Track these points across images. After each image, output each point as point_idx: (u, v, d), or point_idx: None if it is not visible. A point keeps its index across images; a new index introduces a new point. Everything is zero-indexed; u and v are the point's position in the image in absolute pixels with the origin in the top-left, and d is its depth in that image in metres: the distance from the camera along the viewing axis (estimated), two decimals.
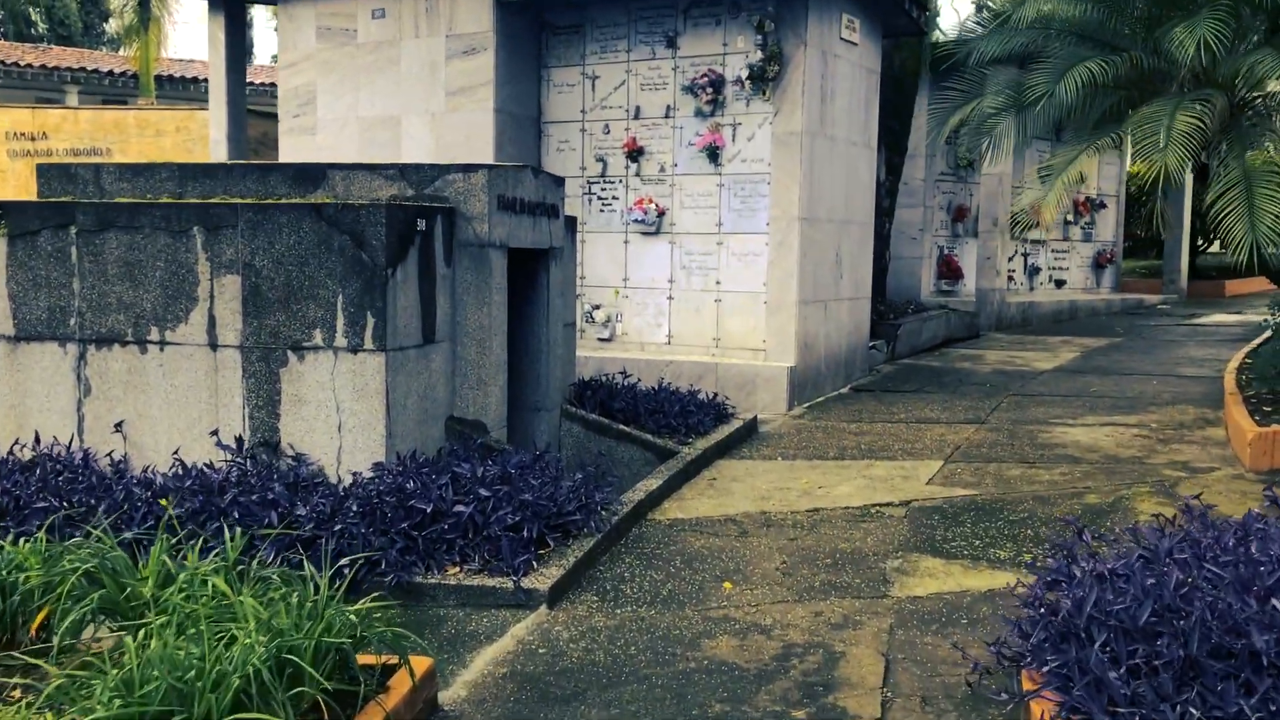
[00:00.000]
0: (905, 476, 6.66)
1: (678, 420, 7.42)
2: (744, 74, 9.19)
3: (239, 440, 5.49)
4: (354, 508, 4.83)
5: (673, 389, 8.04)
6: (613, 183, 9.96)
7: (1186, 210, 17.78)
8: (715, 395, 8.17)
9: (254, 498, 4.96)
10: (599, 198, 10.04)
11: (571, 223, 7.51)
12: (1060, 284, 17.26)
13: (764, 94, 9.18)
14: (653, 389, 7.95)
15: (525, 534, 4.86)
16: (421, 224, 5.64)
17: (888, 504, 6.08)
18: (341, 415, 5.41)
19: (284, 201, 5.60)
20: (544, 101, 10.27)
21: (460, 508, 4.84)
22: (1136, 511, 5.69)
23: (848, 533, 5.55)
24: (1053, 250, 17.18)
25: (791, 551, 5.26)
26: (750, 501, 6.20)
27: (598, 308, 10.03)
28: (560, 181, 7.10)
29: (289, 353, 5.47)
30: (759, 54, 9.12)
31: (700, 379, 9.21)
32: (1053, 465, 6.79)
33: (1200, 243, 20.36)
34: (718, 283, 9.49)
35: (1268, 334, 10.62)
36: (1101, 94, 8.55)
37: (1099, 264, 17.99)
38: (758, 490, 6.44)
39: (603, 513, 5.43)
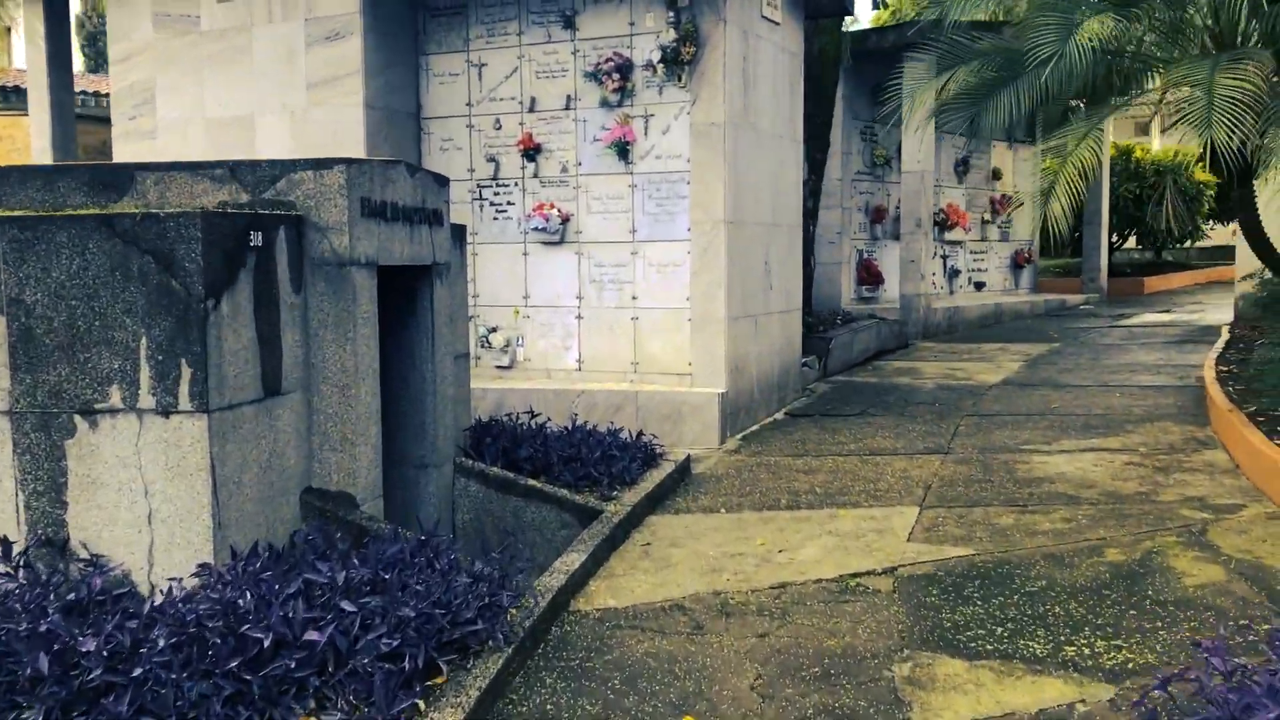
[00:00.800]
0: (879, 530, 5.48)
1: (599, 468, 6.12)
2: (655, 57, 7.96)
3: (4, 542, 4.00)
4: (161, 641, 3.41)
5: (590, 429, 6.74)
6: (507, 186, 8.62)
7: (1104, 205, 17.19)
8: (640, 434, 6.89)
9: (21, 629, 3.50)
10: (492, 203, 8.69)
11: (460, 232, 6.16)
12: (980, 286, 16.49)
13: (679, 80, 7.96)
14: (566, 429, 6.64)
15: (407, 664, 3.50)
16: (257, 238, 4.23)
17: (868, 572, 4.87)
18: (151, 501, 3.98)
19: (63, 214, 4.13)
20: (424, 94, 8.88)
21: (314, 634, 3.46)
22: (1177, 571, 4.60)
23: (830, 621, 4.32)
24: (971, 251, 16.40)
25: (765, 657, 4.01)
26: (698, 576, 4.93)
27: (495, 331, 8.67)
28: (444, 181, 5.75)
29: (77, 419, 4.01)
30: (672, 33, 7.90)
31: (618, 410, 7.92)
32: (1049, 508, 5.69)
33: (1115, 239, 19.90)
34: (634, 298, 8.23)
35: (1226, 337, 9.81)
36: (1106, 62, 7.35)
37: (1017, 264, 17.29)
38: (705, 558, 5.18)
39: (513, 612, 4.10)
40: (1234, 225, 22.92)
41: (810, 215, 10.84)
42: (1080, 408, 8.26)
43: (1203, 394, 8.45)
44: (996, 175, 16.76)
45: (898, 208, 14.77)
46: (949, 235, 15.27)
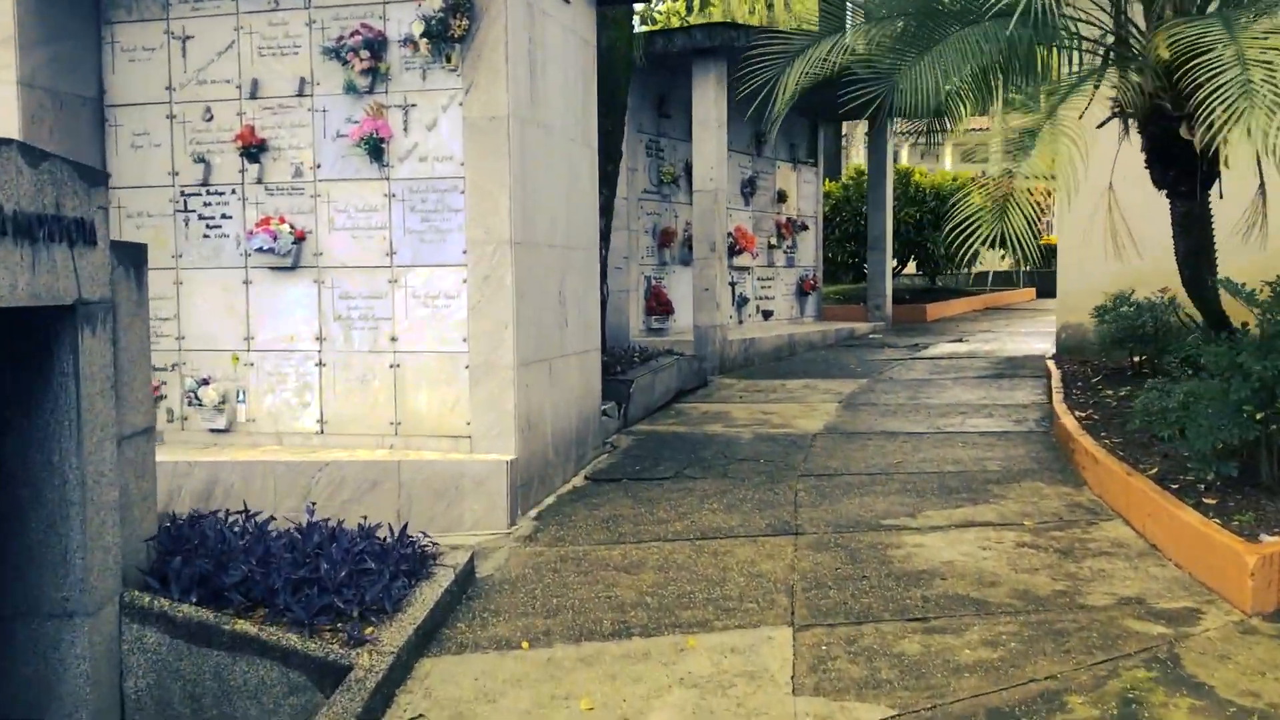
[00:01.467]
0: (749, 673, 3.93)
1: (346, 592, 4.28)
2: (416, 30, 6.19)
3: None
4: None
5: (335, 528, 4.87)
6: (222, 194, 6.61)
7: (889, 230, 16.63)
8: (405, 531, 5.05)
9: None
10: (202, 217, 6.65)
11: (135, 255, 4.19)
12: (768, 314, 15.51)
13: (448, 60, 6.24)
14: (299, 531, 4.74)
15: None
16: None
17: None
18: None
19: None
20: (109, 74, 6.74)
21: None
22: None
23: None
24: (758, 277, 15.40)
25: None
26: None
27: (206, 383, 6.62)
28: (97, 178, 3.78)
29: None
30: (438, 0, 6.16)
31: (374, 488, 6.07)
32: (958, 620, 4.31)
33: (895, 264, 19.51)
34: (394, 339, 6.41)
35: (1057, 373, 8.99)
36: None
37: (803, 291, 16.46)
38: None
39: None
40: (1004, 251, 23.50)
41: (603, 237, 9.31)
42: (927, 463, 7.07)
43: (1053, 440, 7.47)
44: (782, 197, 15.87)
45: (687, 230, 13.53)
46: (737, 261, 14.15)
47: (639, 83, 12.58)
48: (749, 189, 15.00)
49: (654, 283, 13.02)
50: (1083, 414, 7.23)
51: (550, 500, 6.59)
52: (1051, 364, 9.57)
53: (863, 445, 7.74)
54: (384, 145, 6.35)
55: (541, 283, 6.62)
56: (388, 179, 6.39)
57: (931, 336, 15.16)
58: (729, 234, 13.92)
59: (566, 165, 7.12)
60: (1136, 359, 8.44)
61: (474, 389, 6.25)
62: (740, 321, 14.55)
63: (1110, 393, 7.90)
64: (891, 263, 17.02)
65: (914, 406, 9.23)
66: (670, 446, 7.95)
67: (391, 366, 6.42)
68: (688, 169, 13.48)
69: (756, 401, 9.91)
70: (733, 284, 14.41)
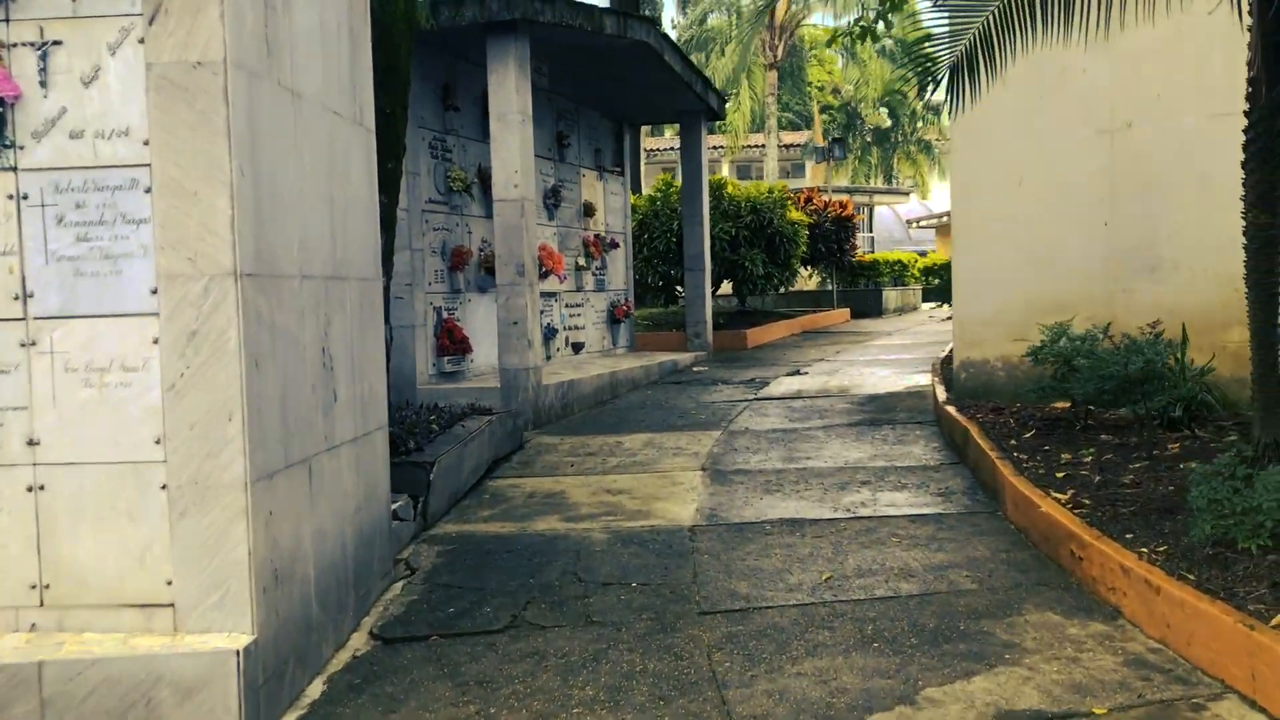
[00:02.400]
0: None
1: None
2: None
3: None
4: None
5: None
6: None
7: (706, 245, 14.71)
8: None
9: None
10: None
11: None
12: (578, 347, 13.28)
13: None
14: None
15: None
16: None
17: None
18: None
19: None
20: None
21: None
22: None
23: None
24: (567, 304, 13.15)
25: None
26: None
27: None
28: None
29: None
30: None
31: None
32: None
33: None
34: (32, 443, 3.74)
35: (974, 428, 7.16)
36: None
37: (614, 318, 14.33)
38: None
39: None
40: (811, 270, 22.15)
41: (385, 259, 6.80)
42: (871, 580, 4.98)
43: (1012, 527, 5.57)
44: (589, 211, 13.69)
45: (483, 249, 11.11)
46: (543, 285, 11.85)
47: (419, 67, 10.09)
48: (553, 200, 12.74)
49: (446, 315, 10.53)
50: (1061, 495, 5.32)
51: (316, 694, 4.06)
52: (954, 411, 7.74)
53: (765, 547, 5.58)
54: (6, 111, 3.69)
55: (292, 337, 4.10)
56: (15, 168, 3.72)
57: (763, 368, 13.31)
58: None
59: (329, 153, 4.63)
60: (1089, 409, 6.70)
61: (177, 525, 3.66)
62: (549, 357, 12.24)
63: (1068, 457, 6.08)
64: (710, 284, 15.13)
65: (798, 474, 7.18)
66: (495, 564, 5.53)
67: (29, 490, 3.74)
68: (482, 175, 11.09)
69: (593, 470, 7.61)
70: (540, 311, 12.09)
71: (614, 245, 14.31)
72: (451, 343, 10.31)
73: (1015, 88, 7.55)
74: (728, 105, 21.60)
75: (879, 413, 9.42)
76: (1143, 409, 5.71)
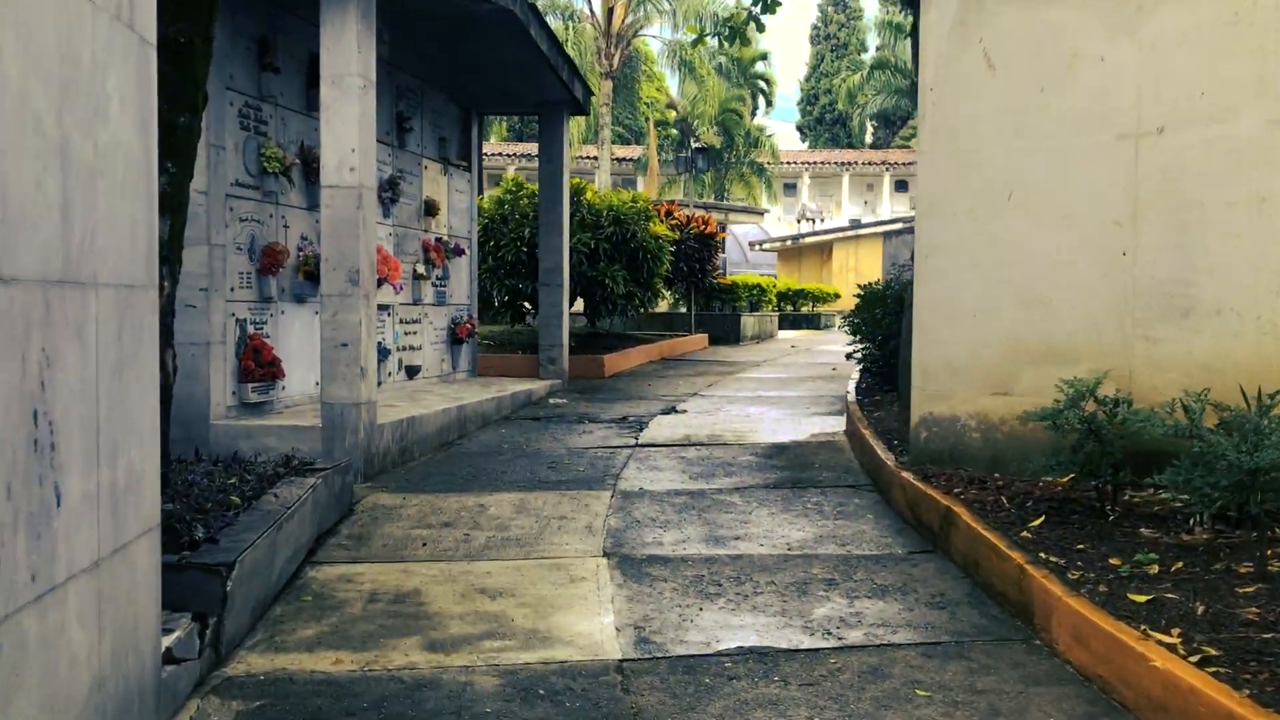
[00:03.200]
0: None
1: None
2: None
3: None
4: None
5: None
6: None
7: (565, 259, 12.82)
8: None
9: None
10: None
11: None
12: (413, 371, 11.18)
13: None
14: None
15: None
16: None
17: None
18: None
19: None
20: None
21: None
22: None
23: None
24: (402, 320, 11.04)
25: None
26: None
27: None
28: None
29: None
30: None
31: None
32: None
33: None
34: None
35: (968, 535, 5.58)
36: None
37: (456, 338, 12.28)
38: None
39: None
40: (670, 291, 20.54)
41: (167, 255, 4.63)
42: None
43: (1066, 670, 3.97)
44: (431, 209, 11.61)
45: (303, 248, 8.91)
46: (377, 297, 9.71)
47: (229, 12, 7.88)
48: (390, 193, 10.62)
49: (253, 331, 8.27)
50: (1166, 636, 3.73)
51: None
52: (914, 480, 6.13)
53: (738, 708, 3.76)
54: None
55: None
56: None
57: (631, 403, 11.54)
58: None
59: (61, 60, 2.56)
60: (1101, 486, 5.21)
61: None
62: (379, 383, 10.09)
63: (1118, 562, 4.52)
64: (568, 303, 13.26)
65: (735, 567, 5.41)
66: None
67: None
68: (305, 156, 8.91)
69: (455, 554, 5.63)
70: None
71: (459, 252, 12.26)
72: (259, 365, 8.08)
73: (1007, 75, 6.08)
74: None
75: (796, 470, 7.78)
76: (1257, 509, 4.23)
